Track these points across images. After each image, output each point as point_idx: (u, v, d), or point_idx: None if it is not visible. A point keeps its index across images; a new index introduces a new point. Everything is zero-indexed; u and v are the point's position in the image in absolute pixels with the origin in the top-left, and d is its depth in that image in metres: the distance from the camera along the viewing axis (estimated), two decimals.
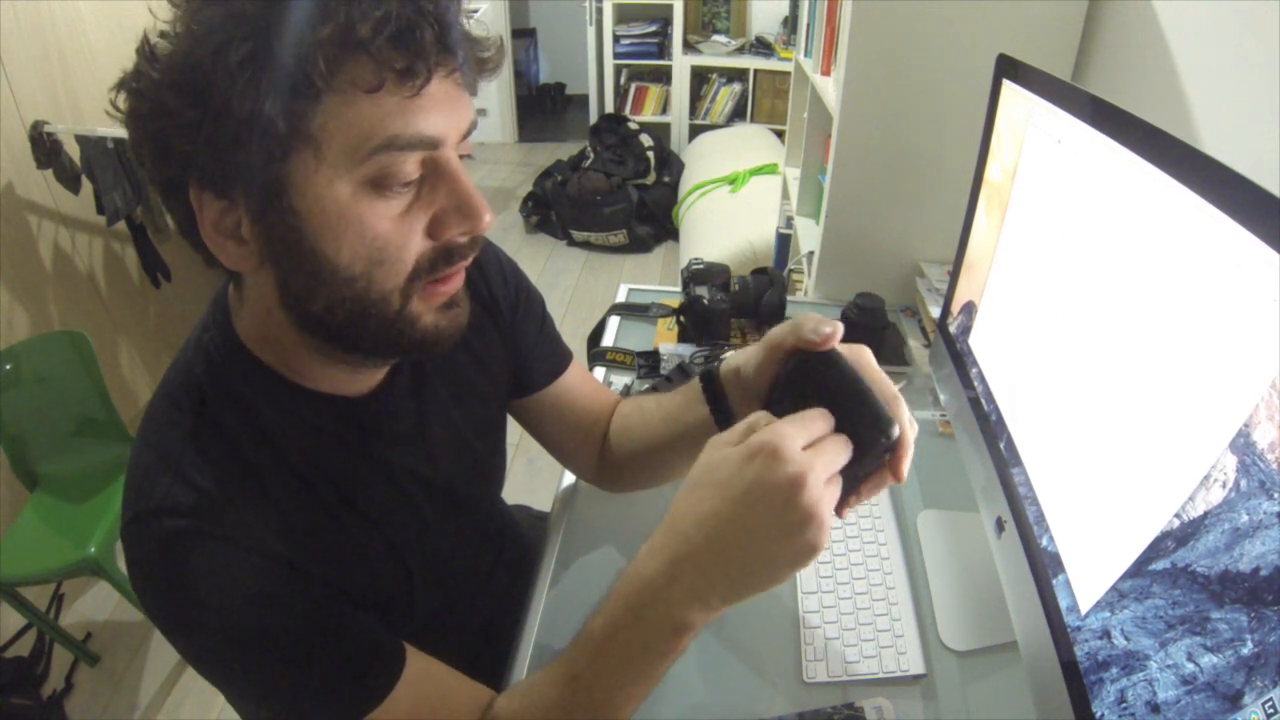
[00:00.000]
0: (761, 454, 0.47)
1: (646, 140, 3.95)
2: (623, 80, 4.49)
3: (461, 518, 0.77)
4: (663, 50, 4.31)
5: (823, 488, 0.47)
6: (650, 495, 1.03)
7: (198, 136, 0.46)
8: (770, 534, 0.47)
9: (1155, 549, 0.53)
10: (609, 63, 4.40)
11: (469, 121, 0.54)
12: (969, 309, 1.00)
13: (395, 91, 0.47)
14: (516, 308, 0.83)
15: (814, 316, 0.58)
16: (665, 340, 1.32)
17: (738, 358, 0.69)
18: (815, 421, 0.50)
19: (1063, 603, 0.65)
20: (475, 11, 0.54)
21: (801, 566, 0.47)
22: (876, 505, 0.98)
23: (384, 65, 0.46)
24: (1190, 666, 0.47)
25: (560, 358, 0.89)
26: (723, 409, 0.70)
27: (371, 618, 0.61)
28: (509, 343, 0.82)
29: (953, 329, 1.05)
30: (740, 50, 4.25)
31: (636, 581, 0.51)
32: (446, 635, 0.82)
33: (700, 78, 4.38)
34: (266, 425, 0.59)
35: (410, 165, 0.50)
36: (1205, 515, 0.48)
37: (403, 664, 0.60)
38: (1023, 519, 0.75)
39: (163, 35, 0.47)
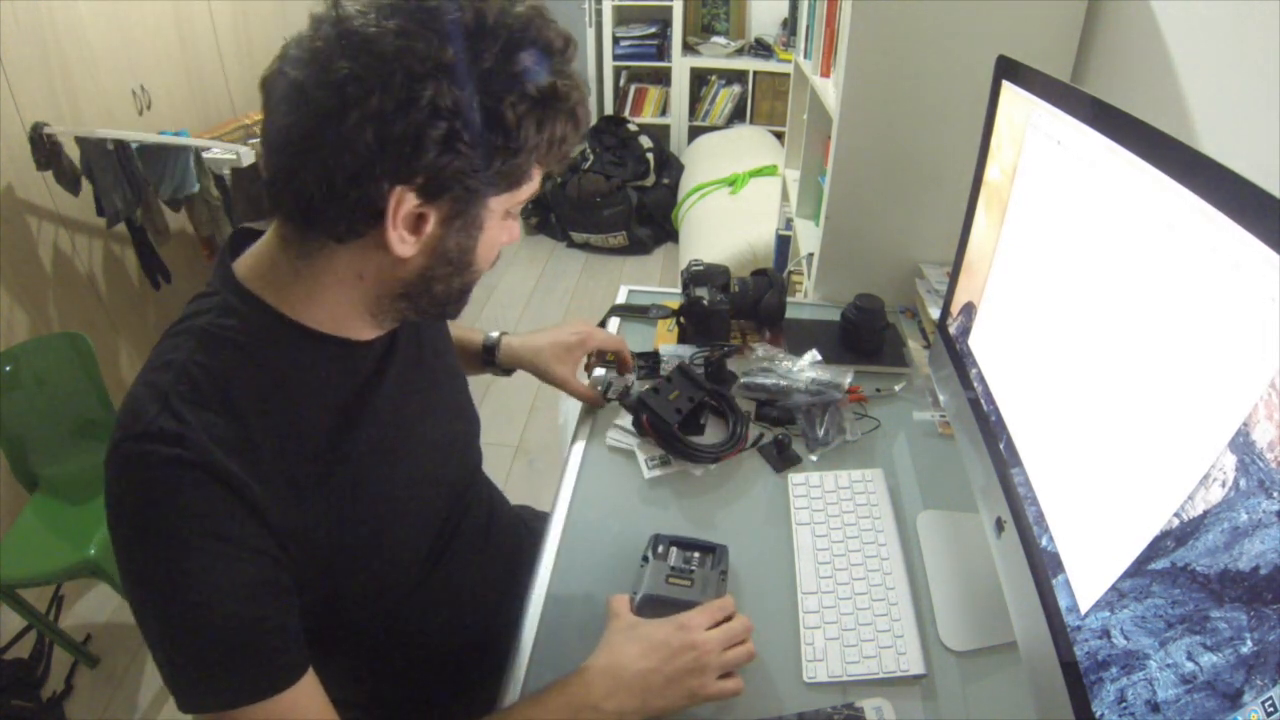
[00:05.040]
0: (679, 626, 0.76)
1: (646, 142, 3.95)
2: (622, 82, 4.49)
3: (448, 469, 0.86)
4: (662, 52, 4.31)
5: (715, 655, 0.74)
6: (649, 501, 1.03)
7: (489, 159, 0.60)
8: (672, 680, 0.72)
9: (1155, 548, 0.53)
10: (608, 64, 4.39)
11: None
12: (968, 310, 1.00)
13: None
14: None
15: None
16: (665, 341, 1.32)
17: (525, 349, 1.12)
18: (718, 612, 0.78)
19: (1062, 603, 0.65)
20: None
21: (686, 705, 0.73)
22: (876, 506, 0.99)
23: (564, 160, 0.67)
24: (1190, 665, 0.47)
25: None
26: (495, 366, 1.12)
27: (294, 619, 0.64)
28: None
29: (952, 330, 1.06)
30: (739, 52, 4.25)
31: (582, 693, 0.70)
32: (441, 613, 0.85)
33: (700, 79, 4.38)
34: (270, 368, 0.65)
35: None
36: (1205, 514, 0.48)
37: (297, 676, 0.63)
38: (1022, 519, 0.75)
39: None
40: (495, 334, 1.12)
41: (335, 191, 0.57)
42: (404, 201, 0.58)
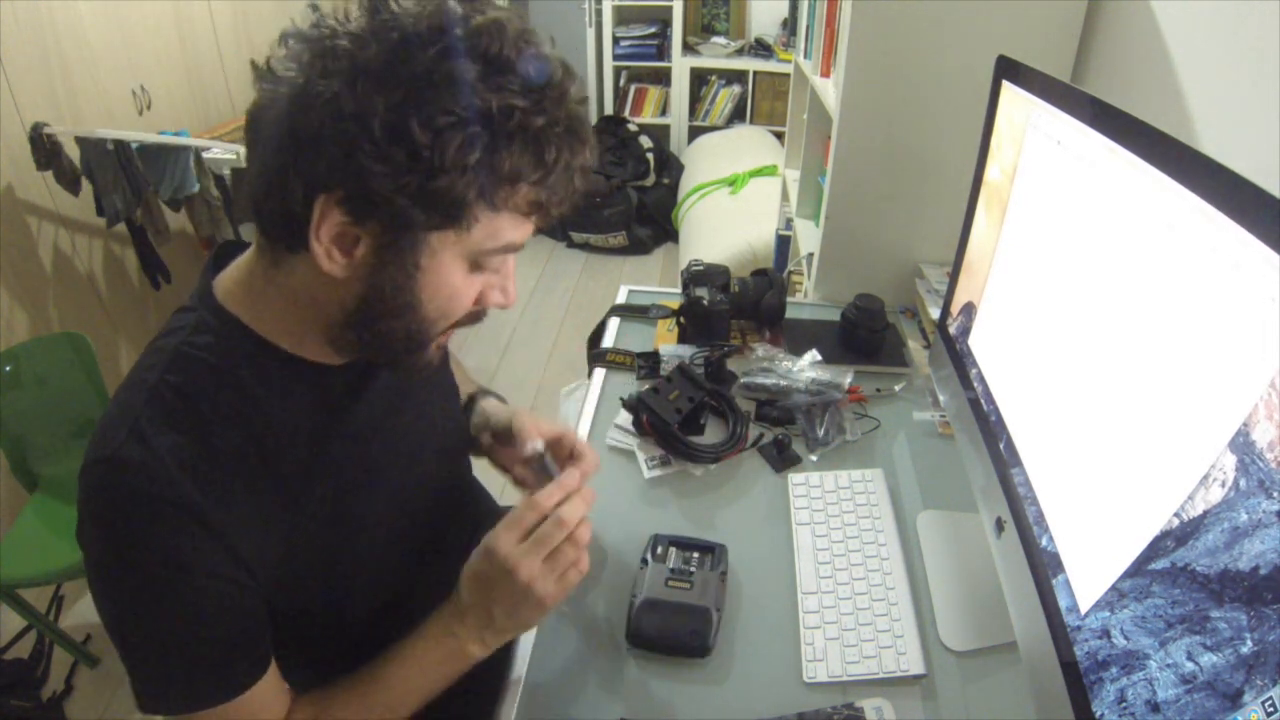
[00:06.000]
0: (485, 553, 0.69)
1: (646, 142, 3.95)
2: (622, 82, 4.49)
3: (432, 484, 0.84)
4: (662, 52, 4.31)
5: (535, 568, 0.67)
6: (650, 501, 1.03)
7: (396, 178, 0.53)
8: (509, 602, 0.69)
9: (1155, 548, 0.53)
10: (608, 64, 4.39)
11: None
12: (968, 310, 1.00)
13: (530, 217, 0.61)
14: None
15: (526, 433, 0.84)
16: (665, 341, 1.32)
17: (501, 407, 0.96)
18: (526, 514, 0.69)
19: (1062, 603, 0.65)
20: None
21: (541, 616, 0.71)
22: (876, 506, 0.99)
23: (545, 212, 0.61)
24: (1190, 665, 0.47)
25: None
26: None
27: (260, 630, 0.65)
28: None
29: (952, 330, 1.06)
30: (739, 52, 4.25)
31: (441, 619, 0.72)
32: (425, 616, 0.84)
33: (700, 79, 4.37)
34: (240, 389, 0.63)
35: (507, 258, 0.64)
36: (1205, 514, 0.48)
37: (262, 671, 0.65)
38: (1022, 519, 0.75)
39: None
40: (489, 395, 1.00)
41: (270, 188, 0.56)
42: (329, 213, 0.55)
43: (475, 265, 0.62)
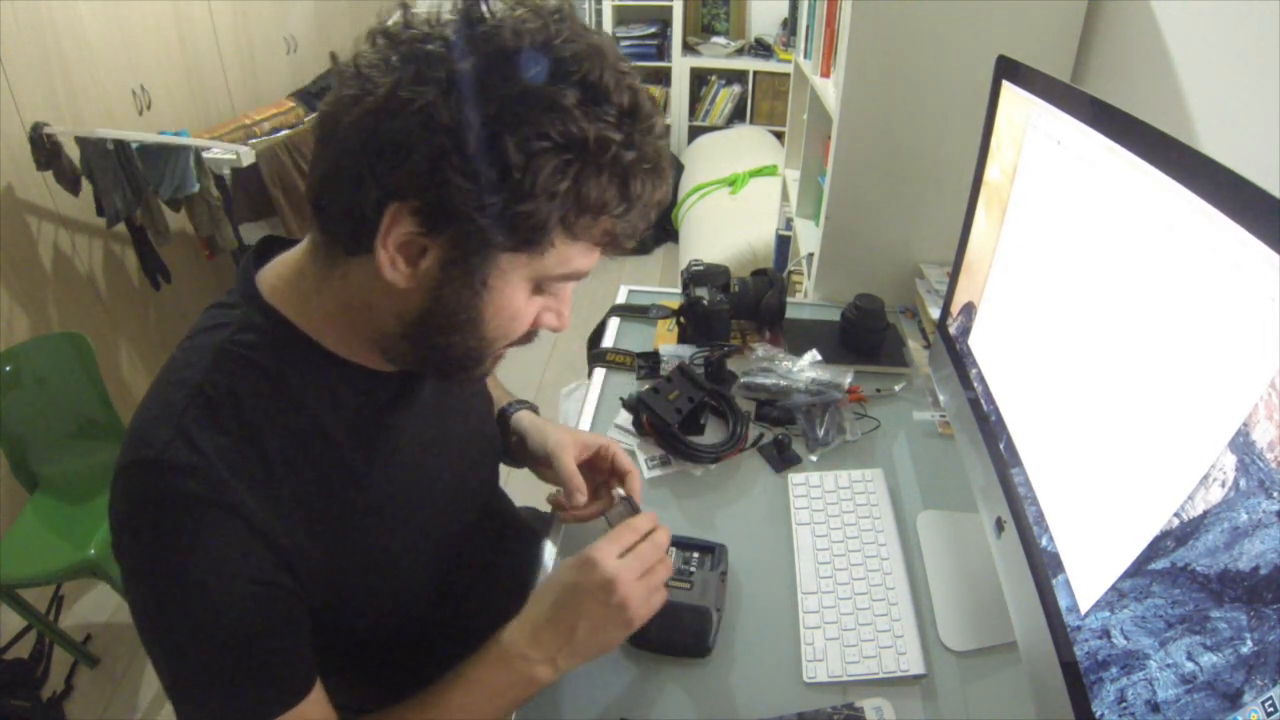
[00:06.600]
0: (583, 565, 0.70)
1: None
2: None
3: (466, 494, 0.84)
4: (662, 52, 4.31)
5: (633, 584, 0.69)
6: (650, 501, 1.03)
7: (481, 195, 0.52)
8: (598, 617, 0.69)
9: (1155, 548, 0.53)
10: None
11: None
12: (968, 310, 1.00)
13: (600, 248, 0.61)
14: None
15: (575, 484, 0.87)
16: (665, 341, 1.32)
17: (536, 424, 0.95)
18: (625, 534, 0.72)
19: (1062, 603, 0.65)
20: None
21: (622, 637, 0.71)
22: (876, 506, 0.99)
23: (616, 245, 0.60)
24: (1190, 665, 0.47)
25: None
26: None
27: (304, 642, 0.63)
28: None
29: (952, 330, 1.06)
30: (739, 52, 4.25)
31: (507, 641, 0.69)
32: (455, 628, 0.84)
33: (699, 79, 4.38)
34: (288, 391, 0.62)
35: (568, 284, 0.64)
36: (1205, 514, 0.48)
37: (310, 687, 0.63)
38: (1022, 519, 0.75)
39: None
40: (522, 406, 1.00)
41: (340, 188, 0.55)
42: (399, 221, 0.53)
43: (537, 288, 0.62)
